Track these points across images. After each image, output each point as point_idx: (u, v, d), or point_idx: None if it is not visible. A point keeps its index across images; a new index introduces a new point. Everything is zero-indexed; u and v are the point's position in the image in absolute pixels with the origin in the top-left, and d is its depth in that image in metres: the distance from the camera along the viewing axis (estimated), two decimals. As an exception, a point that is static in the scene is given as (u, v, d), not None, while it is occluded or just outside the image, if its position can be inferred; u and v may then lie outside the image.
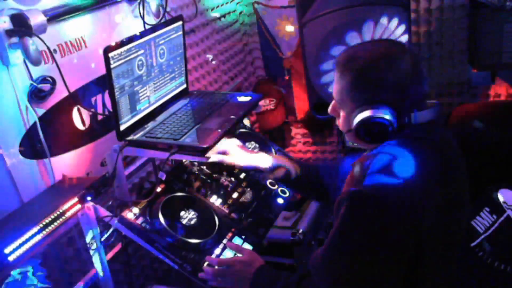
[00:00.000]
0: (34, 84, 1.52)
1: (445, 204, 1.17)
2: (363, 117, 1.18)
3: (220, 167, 1.88)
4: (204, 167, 1.87)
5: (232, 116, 1.75)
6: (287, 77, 3.03)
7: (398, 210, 1.10)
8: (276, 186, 1.94)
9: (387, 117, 1.16)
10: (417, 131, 1.20)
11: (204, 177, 1.84)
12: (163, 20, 2.00)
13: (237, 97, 1.94)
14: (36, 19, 1.42)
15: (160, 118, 1.79)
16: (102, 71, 1.68)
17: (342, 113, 1.29)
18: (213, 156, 1.57)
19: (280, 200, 1.89)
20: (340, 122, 1.31)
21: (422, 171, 1.13)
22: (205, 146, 1.54)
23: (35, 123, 1.53)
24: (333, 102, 1.32)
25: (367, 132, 1.19)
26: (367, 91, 1.19)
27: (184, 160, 1.84)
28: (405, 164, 1.13)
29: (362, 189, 1.12)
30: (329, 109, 1.34)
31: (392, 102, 1.17)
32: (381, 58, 1.19)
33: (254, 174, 1.93)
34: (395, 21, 2.39)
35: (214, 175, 1.86)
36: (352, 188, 1.15)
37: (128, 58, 1.58)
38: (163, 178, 1.74)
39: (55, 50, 1.60)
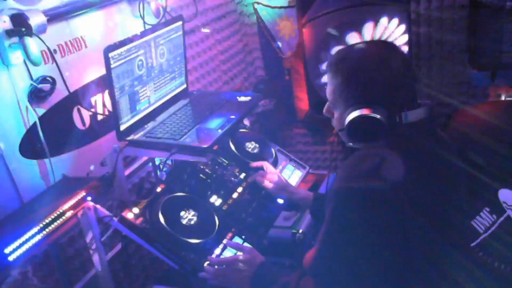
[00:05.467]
0: (34, 84, 1.52)
1: (435, 205, 1.18)
2: (354, 116, 1.20)
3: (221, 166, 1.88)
4: (205, 167, 1.87)
5: (232, 116, 1.76)
6: (287, 77, 3.03)
7: (386, 213, 1.12)
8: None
9: (378, 116, 1.17)
10: (408, 130, 1.21)
11: (204, 177, 1.84)
12: (163, 20, 2.00)
13: (237, 97, 1.94)
14: (36, 19, 1.42)
15: (160, 118, 1.79)
16: (102, 71, 1.68)
17: (335, 113, 1.31)
18: (252, 176, 1.78)
19: (280, 200, 1.89)
20: (334, 122, 1.33)
21: (410, 174, 1.14)
22: (205, 146, 1.54)
23: (35, 123, 1.53)
24: (327, 103, 1.34)
25: (359, 130, 1.21)
26: (358, 91, 1.21)
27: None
28: (393, 167, 1.14)
29: (350, 190, 1.14)
30: (324, 110, 1.36)
31: (383, 101, 1.19)
32: (372, 58, 1.22)
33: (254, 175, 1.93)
34: (395, 21, 2.39)
35: (214, 175, 1.86)
36: (342, 185, 1.16)
37: (128, 58, 1.58)
38: (163, 178, 1.74)
39: (55, 50, 1.60)
